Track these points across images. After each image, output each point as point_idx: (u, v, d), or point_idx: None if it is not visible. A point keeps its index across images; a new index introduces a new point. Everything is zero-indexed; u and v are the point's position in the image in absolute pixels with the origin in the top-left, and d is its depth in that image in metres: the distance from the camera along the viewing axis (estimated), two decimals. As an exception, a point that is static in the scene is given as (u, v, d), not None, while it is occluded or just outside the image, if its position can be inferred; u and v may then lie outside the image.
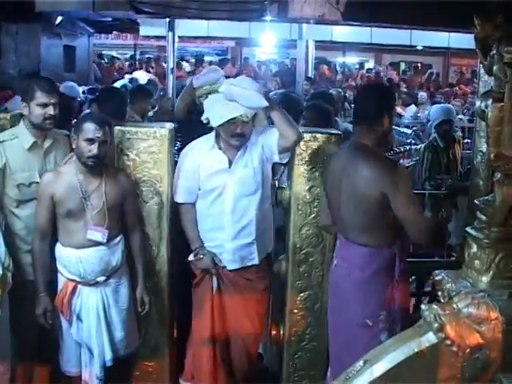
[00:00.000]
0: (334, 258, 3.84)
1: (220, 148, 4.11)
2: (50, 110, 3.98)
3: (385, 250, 3.58)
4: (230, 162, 4.09)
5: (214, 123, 3.96)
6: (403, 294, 3.66)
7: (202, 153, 4.14)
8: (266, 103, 3.89)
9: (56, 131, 4.20)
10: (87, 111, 5.46)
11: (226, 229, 4.11)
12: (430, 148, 6.71)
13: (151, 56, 18.40)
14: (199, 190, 4.14)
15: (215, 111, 3.97)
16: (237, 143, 4.04)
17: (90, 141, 3.72)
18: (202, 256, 4.13)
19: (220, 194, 4.08)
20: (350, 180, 3.55)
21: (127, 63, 18.67)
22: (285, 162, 4.26)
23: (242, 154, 4.08)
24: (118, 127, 4.00)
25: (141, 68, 16.94)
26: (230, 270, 4.17)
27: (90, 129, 3.73)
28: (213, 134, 4.14)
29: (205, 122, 4.06)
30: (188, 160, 4.16)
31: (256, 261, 4.18)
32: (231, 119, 3.90)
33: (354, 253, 3.64)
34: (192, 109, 4.84)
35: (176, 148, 4.60)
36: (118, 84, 9.80)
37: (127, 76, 12.95)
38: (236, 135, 3.99)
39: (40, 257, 3.87)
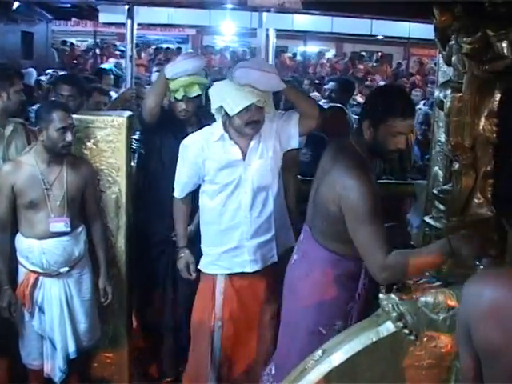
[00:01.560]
0: (294, 253, 3.44)
1: (231, 138, 3.72)
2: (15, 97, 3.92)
3: (351, 260, 3.10)
4: (243, 153, 3.71)
5: (231, 112, 3.56)
6: (364, 303, 3.21)
7: (209, 145, 3.73)
8: (283, 85, 3.64)
9: (13, 119, 4.11)
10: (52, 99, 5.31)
11: (245, 226, 3.73)
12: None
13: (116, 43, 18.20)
14: (209, 184, 3.75)
15: (230, 99, 3.59)
16: (252, 131, 3.65)
17: (63, 129, 3.65)
18: (181, 255, 3.91)
19: (235, 189, 3.72)
20: (322, 176, 3.18)
21: (83, 50, 18.43)
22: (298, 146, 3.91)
23: (257, 144, 3.71)
24: (75, 116, 3.92)
25: (101, 56, 16.75)
26: (251, 273, 3.77)
27: (61, 117, 3.65)
28: (219, 123, 3.74)
29: (215, 112, 3.75)
30: (190, 154, 3.76)
31: (275, 258, 3.82)
32: (247, 106, 3.54)
33: (316, 254, 3.24)
34: (167, 108, 4.26)
35: (135, 138, 4.54)
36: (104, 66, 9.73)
37: (112, 60, 12.78)
38: (252, 123, 3.59)
39: (0, 249, 3.79)
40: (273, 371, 3.50)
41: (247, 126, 3.59)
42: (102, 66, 10.06)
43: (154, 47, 18.26)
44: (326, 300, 3.21)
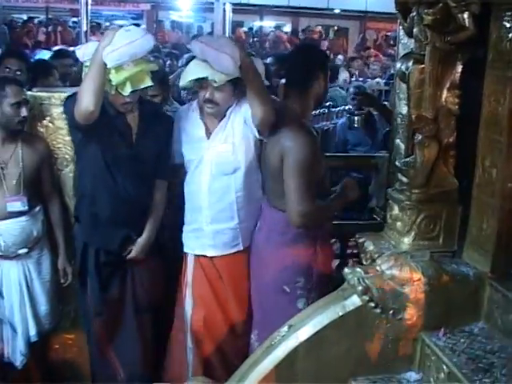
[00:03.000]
0: (257, 222, 3.67)
1: (201, 114, 3.62)
2: None
3: None
4: (208, 132, 3.59)
5: (182, 82, 3.50)
6: (323, 261, 3.54)
7: (184, 115, 3.69)
8: (237, 72, 3.31)
9: None
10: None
11: (204, 210, 3.62)
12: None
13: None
14: (181, 157, 3.66)
15: (185, 71, 3.51)
16: (209, 111, 3.50)
17: (18, 104, 3.55)
18: None
19: (196, 168, 3.60)
20: (268, 144, 3.46)
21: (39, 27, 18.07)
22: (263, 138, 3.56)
23: (223, 127, 3.55)
24: (29, 92, 3.82)
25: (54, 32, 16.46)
26: (211, 257, 3.69)
27: (14, 92, 3.56)
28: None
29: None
30: (175, 123, 3.68)
31: (240, 247, 3.68)
32: (200, 80, 3.40)
33: (273, 217, 3.53)
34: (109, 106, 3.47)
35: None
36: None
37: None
38: (206, 101, 3.46)
39: None
40: (256, 336, 3.63)
41: (204, 103, 3.48)
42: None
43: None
44: (286, 259, 3.45)
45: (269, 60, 6.52)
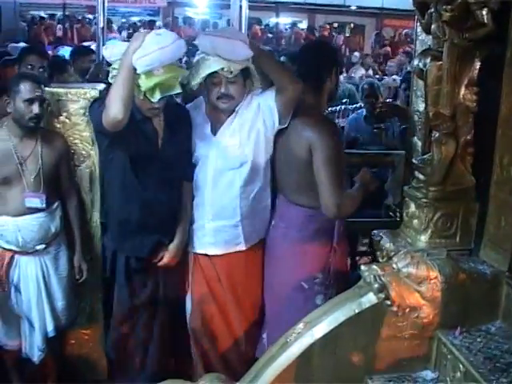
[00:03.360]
0: (272, 219, 3.65)
1: (206, 111, 3.57)
2: None
3: (324, 214, 3.39)
4: (215, 129, 3.53)
5: (194, 81, 3.36)
6: (341, 257, 3.58)
7: (194, 114, 3.60)
8: (251, 52, 3.30)
9: None
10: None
11: (207, 206, 3.57)
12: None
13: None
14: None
15: (194, 68, 3.38)
16: (224, 106, 3.43)
17: (30, 101, 3.55)
18: None
19: (202, 164, 3.54)
20: (285, 138, 3.46)
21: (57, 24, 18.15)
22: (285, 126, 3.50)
23: (231, 121, 3.49)
24: (47, 88, 3.83)
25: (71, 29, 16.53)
26: (213, 256, 3.64)
27: (28, 88, 3.55)
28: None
29: (195, 87, 3.46)
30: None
31: (242, 246, 3.62)
32: (212, 75, 3.32)
33: (292, 213, 3.53)
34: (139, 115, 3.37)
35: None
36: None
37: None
38: (222, 96, 3.38)
39: None
40: (265, 338, 3.67)
41: (218, 100, 3.40)
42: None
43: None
44: (304, 255, 3.48)
45: (282, 59, 6.37)
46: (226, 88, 3.36)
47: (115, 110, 3.08)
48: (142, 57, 3.07)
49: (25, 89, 3.54)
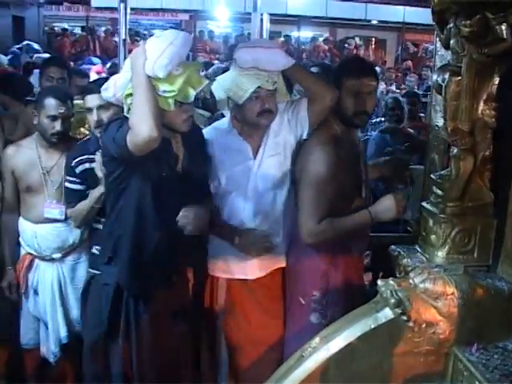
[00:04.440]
0: None
1: (240, 134, 3.36)
2: None
3: None
4: (254, 151, 3.37)
5: (240, 99, 3.17)
6: (342, 276, 3.45)
7: (218, 143, 3.38)
8: (292, 60, 3.21)
9: None
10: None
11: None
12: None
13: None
14: (216, 183, 3.42)
15: (235, 86, 3.18)
16: (265, 122, 3.26)
17: (53, 118, 3.61)
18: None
19: (240, 191, 3.37)
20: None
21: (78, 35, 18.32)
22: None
23: (267, 140, 3.34)
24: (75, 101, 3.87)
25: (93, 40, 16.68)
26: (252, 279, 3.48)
27: (52, 105, 3.61)
28: (227, 118, 3.43)
29: (220, 106, 3.42)
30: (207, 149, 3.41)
31: (282, 263, 3.52)
32: (256, 90, 3.16)
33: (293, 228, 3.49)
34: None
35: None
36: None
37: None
38: (264, 112, 3.21)
39: (7, 230, 3.80)
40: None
41: (259, 116, 3.23)
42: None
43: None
44: (304, 270, 3.45)
45: (313, 70, 6.16)
46: (267, 102, 3.22)
47: (147, 127, 2.78)
48: (157, 59, 2.86)
49: (49, 105, 3.60)
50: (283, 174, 3.40)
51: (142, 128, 2.79)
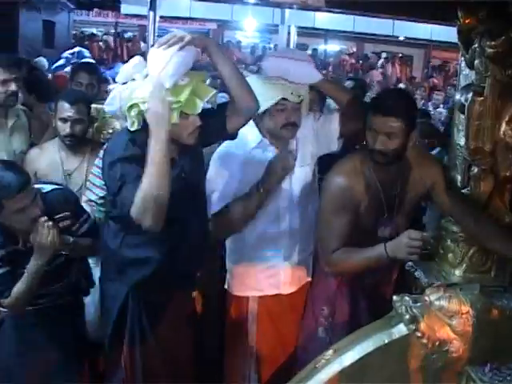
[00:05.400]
0: None
1: (270, 144, 3.21)
2: (12, 86, 3.82)
3: None
4: None
5: (261, 109, 2.99)
6: (351, 295, 3.31)
7: (247, 155, 3.20)
8: (320, 75, 3.13)
9: (16, 108, 4.09)
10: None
11: (282, 246, 3.30)
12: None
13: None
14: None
15: (258, 94, 2.89)
16: (289, 135, 3.14)
17: (63, 120, 3.64)
18: None
19: (271, 203, 3.20)
20: None
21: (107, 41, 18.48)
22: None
23: (296, 149, 3.21)
24: (93, 105, 3.91)
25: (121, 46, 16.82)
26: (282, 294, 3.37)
27: (62, 107, 3.64)
28: (252, 127, 3.19)
29: None
30: (228, 164, 3.20)
31: (310, 276, 3.45)
32: (280, 102, 3.05)
33: None
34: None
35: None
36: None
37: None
38: (288, 124, 3.10)
39: None
40: None
41: (283, 128, 3.11)
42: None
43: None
44: (315, 283, 3.41)
45: (347, 84, 5.94)
46: (292, 115, 3.10)
47: (150, 223, 2.54)
48: (163, 69, 2.62)
49: (60, 108, 3.65)
50: (313, 185, 3.34)
51: (145, 222, 2.55)
